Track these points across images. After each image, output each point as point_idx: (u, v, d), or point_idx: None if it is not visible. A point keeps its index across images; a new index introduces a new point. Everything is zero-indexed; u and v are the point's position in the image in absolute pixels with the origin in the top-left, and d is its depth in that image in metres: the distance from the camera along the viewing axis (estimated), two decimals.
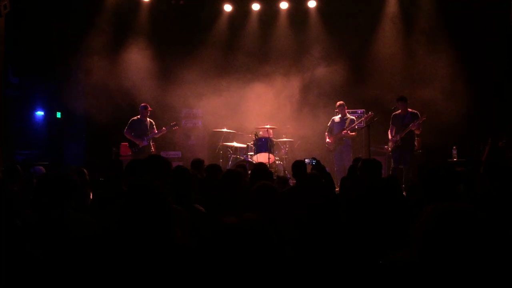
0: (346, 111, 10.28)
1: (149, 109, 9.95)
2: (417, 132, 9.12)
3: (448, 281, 2.23)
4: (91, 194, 5.33)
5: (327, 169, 6.25)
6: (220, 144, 10.88)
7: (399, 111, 9.28)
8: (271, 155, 10.13)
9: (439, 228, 2.29)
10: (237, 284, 2.38)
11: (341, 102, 10.22)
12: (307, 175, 5.57)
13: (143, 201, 2.37)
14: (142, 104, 9.98)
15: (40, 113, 11.68)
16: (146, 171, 3.64)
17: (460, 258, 2.24)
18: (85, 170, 5.93)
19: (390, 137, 9.42)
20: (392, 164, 9.34)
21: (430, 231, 2.34)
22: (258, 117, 11.07)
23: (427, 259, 2.32)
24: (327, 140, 10.24)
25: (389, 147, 9.46)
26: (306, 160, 6.70)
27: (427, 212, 2.40)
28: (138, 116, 9.89)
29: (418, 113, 9.15)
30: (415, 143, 9.37)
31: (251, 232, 2.57)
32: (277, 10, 12.15)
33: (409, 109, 9.25)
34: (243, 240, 2.43)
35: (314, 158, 6.56)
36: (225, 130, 10.83)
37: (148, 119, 9.94)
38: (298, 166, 5.76)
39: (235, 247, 2.43)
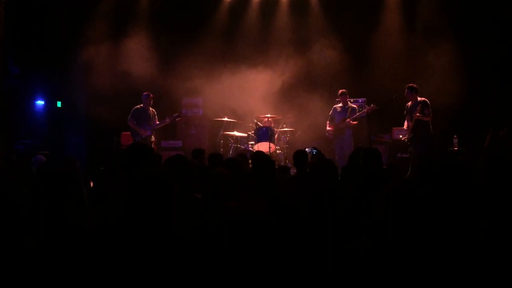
0: (348, 99, 10.25)
1: (152, 96, 9.93)
2: (424, 118, 8.95)
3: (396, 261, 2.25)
4: (91, 184, 5.32)
5: (328, 158, 6.25)
6: (221, 133, 10.87)
7: (410, 102, 9.22)
8: (272, 144, 10.13)
9: (390, 206, 2.32)
10: (238, 266, 2.39)
11: (343, 90, 10.17)
12: (308, 164, 5.57)
13: (152, 192, 2.36)
14: (145, 93, 9.95)
15: (40, 102, 11.66)
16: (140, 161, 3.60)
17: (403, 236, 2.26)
18: (76, 160, 5.91)
19: (405, 128, 9.39)
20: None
21: (383, 210, 2.37)
22: (259, 106, 11.05)
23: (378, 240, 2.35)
24: (328, 128, 10.21)
25: (405, 138, 9.39)
26: (307, 150, 6.70)
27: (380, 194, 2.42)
28: (141, 105, 9.88)
29: (425, 100, 9.07)
30: (428, 132, 9.06)
31: (252, 216, 2.57)
32: None
33: (419, 98, 9.13)
34: (245, 223, 2.44)
35: (314, 148, 6.56)
36: (225, 119, 10.81)
37: (150, 108, 9.93)
38: (299, 155, 5.76)
39: (237, 230, 2.43)
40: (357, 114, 10.00)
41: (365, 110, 10.22)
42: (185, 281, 2.29)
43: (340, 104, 10.19)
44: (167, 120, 10.00)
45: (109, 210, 3.20)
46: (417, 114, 8.90)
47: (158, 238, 2.30)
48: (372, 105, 9.81)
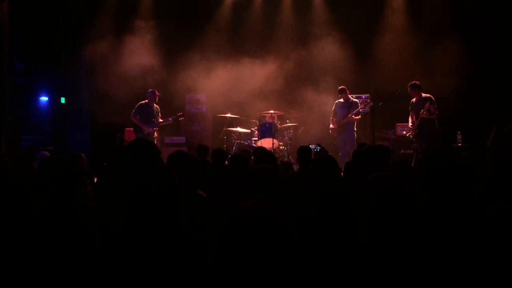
0: (349, 95, 10.22)
1: (157, 94, 9.95)
2: (430, 116, 8.94)
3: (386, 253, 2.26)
4: (95, 180, 5.35)
5: (331, 154, 6.25)
6: (224, 129, 10.87)
7: (415, 98, 9.21)
8: (275, 140, 10.14)
9: (373, 192, 2.33)
10: (250, 268, 2.39)
11: (343, 87, 10.14)
12: (312, 160, 5.57)
13: (159, 190, 2.36)
14: (150, 90, 9.97)
15: (44, 98, 11.69)
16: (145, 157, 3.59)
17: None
18: (83, 156, 5.94)
19: (409, 124, 9.36)
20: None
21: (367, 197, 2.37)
22: (263, 102, 11.05)
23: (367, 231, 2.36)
24: (331, 126, 10.21)
25: (410, 134, 9.37)
26: (311, 146, 6.70)
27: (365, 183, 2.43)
28: (146, 101, 9.89)
29: (431, 96, 9.05)
30: (434, 128, 9.08)
31: (269, 216, 2.57)
32: None
33: (423, 94, 9.12)
34: (261, 224, 2.43)
35: (318, 144, 6.56)
36: (229, 115, 10.81)
37: (155, 105, 9.94)
38: (303, 151, 5.75)
39: (252, 231, 2.43)
40: (359, 108, 9.98)
41: (361, 106, 10.13)
42: (191, 280, 2.30)
43: (342, 100, 10.17)
44: (170, 120, 10.03)
45: (114, 205, 3.21)
46: (424, 112, 8.89)
47: (165, 234, 2.31)
48: (380, 104, 9.67)
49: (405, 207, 2.51)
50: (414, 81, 9.23)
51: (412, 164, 8.94)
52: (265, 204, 2.70)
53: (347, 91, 10.14)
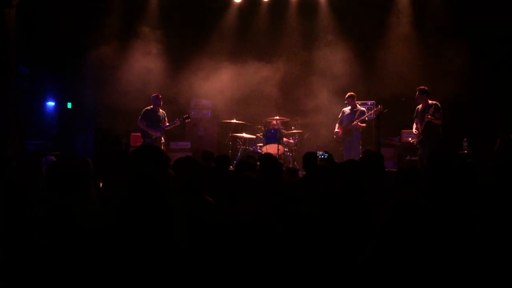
0: (356, 102, 10.21)
1: (161, 97, 9.96)
2: (435, 121, 8.94)
3: (401, 273, 2.25)
4: (100, 184, 5.36)
5: (336, 160, 6.25)
6: (230, 135, 10.89)
7: (420, 104, 9.19)
8: (280, 146, 10.14)
9: (393, 221, 2.33)
10: (240, 273, 2.39)
11: (351, 93, 10.11)
12: (317, 166, 5.57)
13: (141, 196, 2.37)
14: (154, 94, 9.98)
15: (51, 103, 11.74)
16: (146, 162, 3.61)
17: (410, 249, 2.27)
18: (89, 160, 5.96)
19: (414, 131, 9.35)
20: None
21: (385, 224, 2.37)
22: (268, 108, 11.07)
23: (384, 250, 2.35)
24: (336, 130, 10.18)
25: (414, 141, 9.35)
26: (318, 153, 6.70)
27: (385, 206, 2.43)
28: (151, 106, 9.91)
29: (437, 103, 9.03)
30: (438, 135, 8.97)
31: (257, 221, 2.58)
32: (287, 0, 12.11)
33: (430, 101, 9.09)
34: (249, 228, 2.44)
35: (326, 152, 6.55)
36: (234, 121, 10.83)
37: (160, 109, 9.96)
38: (309, 157, 5.75)
39: (240, 236, 2.44)
40: (365, 116, 9.96)
41: (372, 112, 10.13)
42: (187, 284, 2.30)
43: (349, 107, 10.15)
44: (177, 122, 10.03)
45: (111, 209, 3.21)
46: (429, 116, 8.85)
47: (157, 241, 2.31)
48: (379, 106, 9.77)
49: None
50: (423, 86, 9.17)
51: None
52: (255, 207, 2.70)
53: (355, 98, 10.12)
